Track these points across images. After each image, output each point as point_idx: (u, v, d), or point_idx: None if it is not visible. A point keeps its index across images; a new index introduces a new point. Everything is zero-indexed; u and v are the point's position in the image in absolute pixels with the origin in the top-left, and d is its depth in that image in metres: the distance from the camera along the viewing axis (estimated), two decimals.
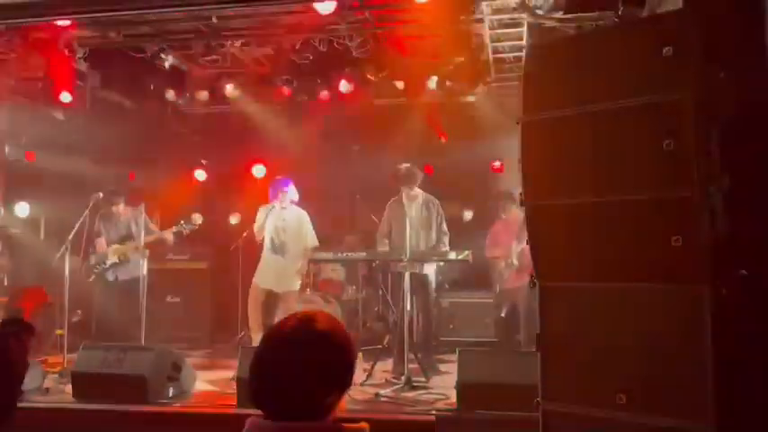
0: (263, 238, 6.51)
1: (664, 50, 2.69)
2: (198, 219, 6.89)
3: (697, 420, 2.58)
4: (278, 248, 6.48)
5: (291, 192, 6.51)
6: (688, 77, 2.64)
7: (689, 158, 2.61)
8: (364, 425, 1.54)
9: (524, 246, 5.96)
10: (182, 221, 6.78)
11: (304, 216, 6.57)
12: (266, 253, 6.55)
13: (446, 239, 6.13)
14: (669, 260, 2.68)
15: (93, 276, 6.83)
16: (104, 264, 6.76)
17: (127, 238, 6.77)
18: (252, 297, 6.51)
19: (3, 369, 2.93)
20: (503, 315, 6.55)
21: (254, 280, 6.57)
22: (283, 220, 6.48)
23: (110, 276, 6.78)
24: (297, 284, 6.63)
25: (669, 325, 2.71)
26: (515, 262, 6.29)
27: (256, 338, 6.26)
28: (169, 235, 6.78)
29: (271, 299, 6.61)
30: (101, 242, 6.82)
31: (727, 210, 2.66)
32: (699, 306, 2.60)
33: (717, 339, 2.55)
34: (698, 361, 2.58)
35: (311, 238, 6.53)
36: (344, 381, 1.59)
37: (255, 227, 6.54)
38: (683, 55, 2.66)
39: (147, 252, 6.52)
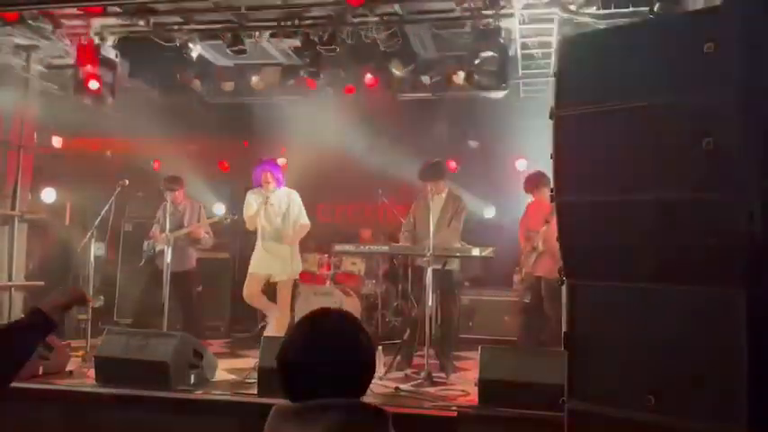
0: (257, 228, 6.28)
1: (705, 47, 2.63)
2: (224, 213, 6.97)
3: (729, 424, 2.53)
4: (271, 235, 6.23)
5: (277, 173, 6.28)
6: (730, 76, 2.57)
7: (729, 159, 2.55)
8: (387, 410, 1.64)
9: (550, 227, 5.52)
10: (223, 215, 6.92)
11: (292, 195, 6.33)
12: (259, 242, 6.30)
13: (456, 235, 5.91)
14: (704, 262, 2.62)
15: (143, 261, 6.89)
16: (153, 250, 6.81)
17: (180, 228, 6.68)
18: (248, 287, 6.26)
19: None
20: (527, 301, 6.26)
21: (249, 270, 6.34)
22: (271, 204, 6.24)
23: (161, 265, 6.83)
24: (297, 271, 6.42)
25: (702, 327, 2.65)
26: (540, 246, 5.99)
27: (271, 315, 6.20)
28: (205, 227, 6.76)
29: (272, 288, 6.46)
30: (155, 229, 6.89)
31: (766, 212, 2.60)
32: (734, 309, 2.53)
33: (752, 343, 2.49)
34: (731, 364, 2.52)
35: (302, 217, 6.33)
36: (371, 364, 1.75)
37: (245, 214, 6.29)
38: (726, 53, 2.59)
39: (173, 239, 6.57)
